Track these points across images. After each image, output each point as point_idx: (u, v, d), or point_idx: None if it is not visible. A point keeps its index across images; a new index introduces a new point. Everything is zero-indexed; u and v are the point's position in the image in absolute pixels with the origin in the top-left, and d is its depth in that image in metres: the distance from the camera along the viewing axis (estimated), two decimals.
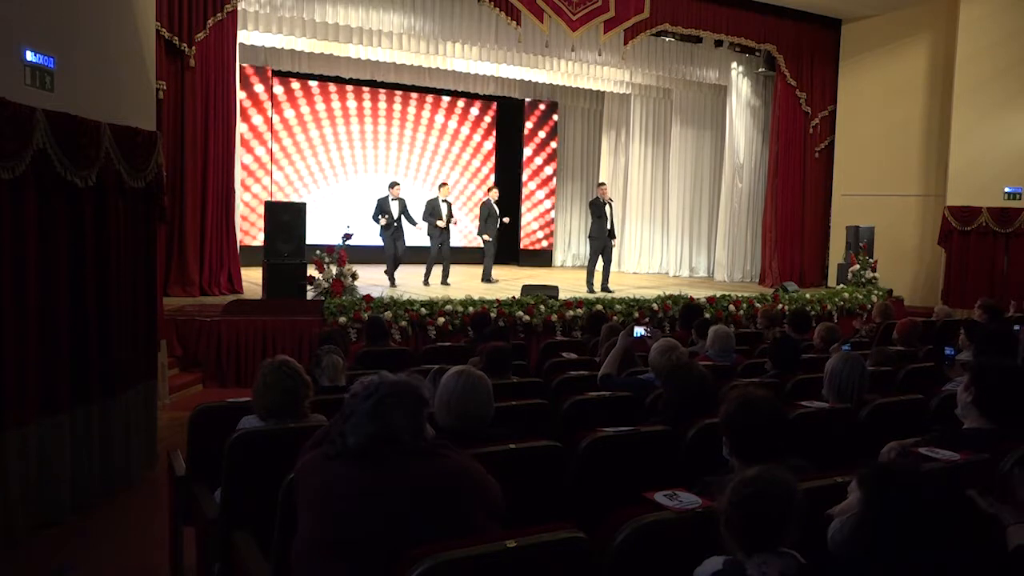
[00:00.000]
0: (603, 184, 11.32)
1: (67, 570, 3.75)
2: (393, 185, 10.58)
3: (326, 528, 1.92)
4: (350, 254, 8.39)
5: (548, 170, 15.26)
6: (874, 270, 11.33)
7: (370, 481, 1.91)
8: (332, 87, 13.16)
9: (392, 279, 10.37)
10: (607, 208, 10.42)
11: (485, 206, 11.44)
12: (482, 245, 11.50)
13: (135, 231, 4.93)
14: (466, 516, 1.92)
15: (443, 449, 2.03)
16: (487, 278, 11.10)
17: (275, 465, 2.39)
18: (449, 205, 10.89)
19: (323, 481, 1.96)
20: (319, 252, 8.24)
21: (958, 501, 1.89)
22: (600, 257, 10.59)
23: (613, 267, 11.38)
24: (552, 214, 15.36)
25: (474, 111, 14.69)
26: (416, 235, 10.84)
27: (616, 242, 11.16)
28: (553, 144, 15.24)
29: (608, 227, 10.45)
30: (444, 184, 11.41)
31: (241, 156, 10.54)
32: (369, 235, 10.58)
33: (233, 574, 2.75)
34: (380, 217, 10.29)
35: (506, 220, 11.59)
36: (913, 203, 12.25)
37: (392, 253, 10.41)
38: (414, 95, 13.94)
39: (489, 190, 11.97)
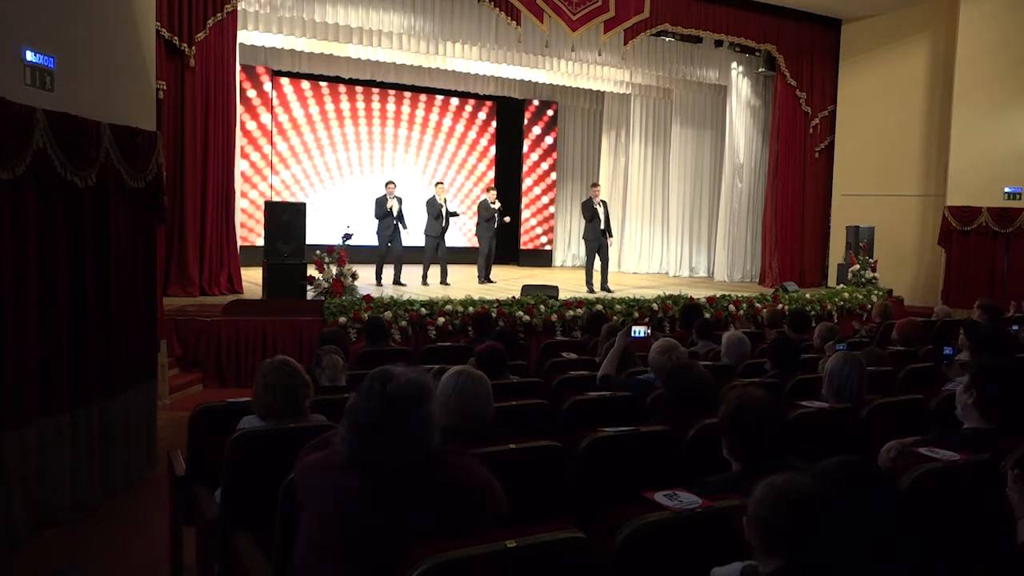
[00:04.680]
0: (596, 185, 11.32)
1: (68, 570, 3.75)
2: (389, 183, 10.60)
3: (328, 533, 1.90)
4: (350, 254, 8.39)
5: (548, 170, 15.27)
6: (874, 270, 11.33)
7: (373, 488, 1.90)
8: (332, 87, 13.16)
9: (379, 278, 10.37)
10: (599, 209, 10.45)
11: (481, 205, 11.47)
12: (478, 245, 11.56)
13: (135, 231, 4.93)
14: (470, 522, 1.91)
15: (448, 455, 2.01)
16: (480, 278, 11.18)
17: (275, 465, 2.39)
18: (445, 203, 10.89)
19: (325, 487, 1.95)
20: (319, 252, 8.24)
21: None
22: (597, 256, 10.61)
23: (613, 267, 11.39)
24: (552, 214, 15.36)
25: (474, 111, 14.69)
26: (412, 235, 10.83)
27: (612, 240, 11.16)
28: (553, 144, 15.25)
29: (601, 227, 10.47)
30: (440, 183, 11.41)
31: (242, 158, 10.54)
32: (369, 235, 10.58)
33: (233, 574, 2.75)
34: (387, 213, 10.26)
35: (507, 219, 11.53)
36: (913, 203, 12.25)
37: (384, 252, 10.43)
38: (414, 95, 13.94)
39: (487, 189, 11.99)
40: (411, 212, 10.87)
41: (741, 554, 1.84)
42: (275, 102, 12.60)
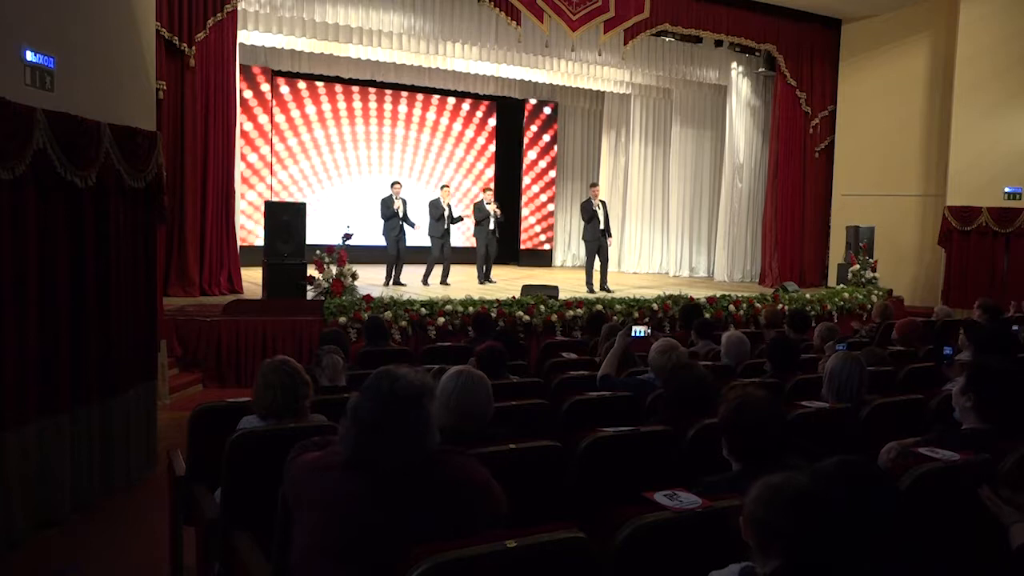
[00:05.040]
0: (595, 185, 11.31)
1: (68, 570, 3.75)
2: (395, 184, 10.60)
3: (328, 533, 1.90)
4: (350, 254, 8.38)
5: (548, 170, 15.27)
6: (874, 270, 11.32)
7: (372, 488, 1.90)
8: (332, 87, 13.16)
9: (388, 280, 10.35)
10: (598, 210, 10.45)
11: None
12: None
13: (135, 231, 4.93)
14: (470, 522, 1.91)
15: (447, 455, 2.00)
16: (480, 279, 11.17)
17: (275, 465, 2.38)
18: (449, 207, 10.90)
19: (325, 486, 1.94)
20: (319, 252, 8.23)
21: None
22: (597, 257, 10.61)
23: (613, 267, 11.38)
24: (552, 213, 15.36)
25: (474, 111, 14.69)
26: (417, 235, 10.84)
27: (611, 241, 11.15)
28: (553, 144, 15.25)
29: (601, 228, 10.47)
30: (445, 186, 11.42)
31: (241, 157, 10.54)
32: (369, 235, 10.58)
33: (233, 574, 2.75)
34: (394, 214, 10.23)
35: (498, 212, 11.30)
36: (913, 203, 12.25)
37: (394, 254, 10.42)
38: (414, 95, 13.94)
39: (483, 190, 11.99)
40: (414, 212, 10.87)
41: (741, 554, 1.84)
42: (275, 102, 12.60)
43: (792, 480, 1.77)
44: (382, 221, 10.45)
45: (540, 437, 2.75)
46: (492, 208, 11.11)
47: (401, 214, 10.32)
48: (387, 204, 10.36)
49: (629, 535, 1.94)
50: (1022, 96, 11.06)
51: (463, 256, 12.61)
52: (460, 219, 11.31)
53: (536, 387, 4.22)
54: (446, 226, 10.76)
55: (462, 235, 13.81)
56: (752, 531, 1.76)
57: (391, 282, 10.38)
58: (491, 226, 11.11)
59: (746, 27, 12.12)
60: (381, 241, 10.55)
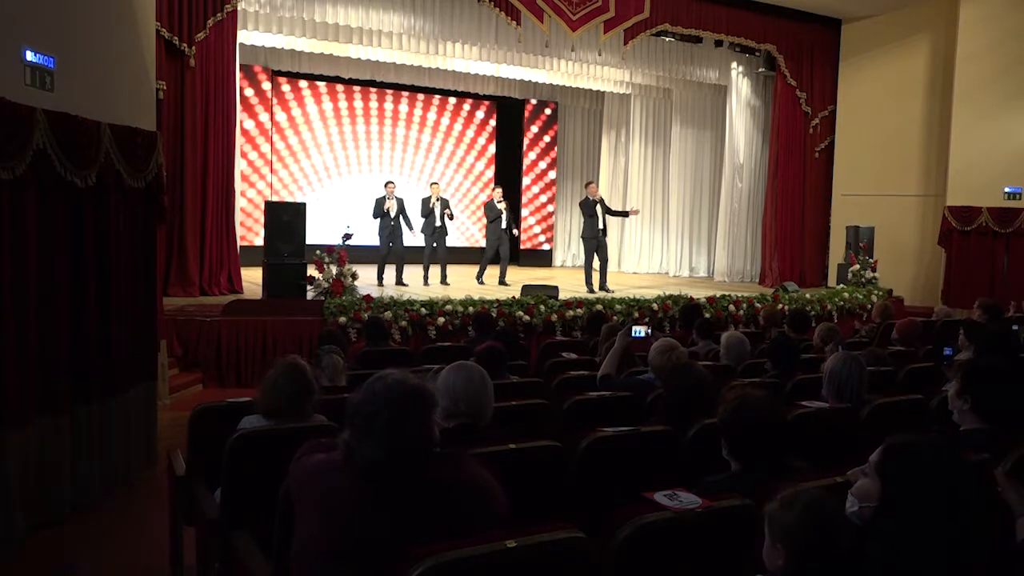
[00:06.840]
0: (591, 182, 11.29)
1: (68, 570, 3.75)
2: (388, 184, 10.60)
3: (329, 535, 1.90)
4: (350, 254, 8.38)
5: (548, 170, 15.28)
6: (874, 270, 11.33)
7: (375, 492, 1.89)
8: (332, 87, 13.17)
9: (380, 279, 10.36)
10: (597, 206, 10.44)
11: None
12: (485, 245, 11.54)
13: (135, 231, 4.93)
14: (471, 523, 1.90)
15: (448, 456, 2.00)
16: (479, 278, 11.16)
17: (275, 465, 2.39)
18: (444, 203, 10.87)
19: (326, 489, 1.94)
20: (319, 252, 8.23)
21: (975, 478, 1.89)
22: (596, 256, 10.60)
23: (613, 267, 11.35)
24: (552, 214, 15.36)
25: (474, 111, 14.69)
26: (416, 235, 10.83)
27: (607, 239, 11.14)
28: (553, 144, 15.25)
29: (599, 226, 10.46)
30: (434, 183, 11.40)
31: (241, 156, 10.54)
32: (369, 235, 10.58)
33: (233, 574, 2.76)
34: (384, 214, 10.26)
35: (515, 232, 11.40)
36: (913, 203, 12.25)
37: (384, 253, 10.42)
38: (414, 95, 13.94)
39: (493, 189, 11.98)
40: (413, 212, 10.85)
41: (741, 554, 1.84)
42: (275, 101, 12.61)
43: (818, 499, 1.74)
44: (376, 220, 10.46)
45: (540, 437, 2.75)
46: (503, 207, 11.10)
47: (393, 214, 10.31)
48: (378, 204, 10.35)
49: (629, 535, 1.94)
50: (1022, 96, 11.06)
51: (464, 256, 12.60)
52: (452, 216, 11.22)
53: (536, 387, 4.22)
54: (437, 223, 10.74)
55: (461, 235, 13.81)
56: (783, 551, 1.73)
57: (395, 282, 10.37)
58: (503, 225, 11.09)
59: (746, 27, 12.12)
60: (378, 240, 10.56)
